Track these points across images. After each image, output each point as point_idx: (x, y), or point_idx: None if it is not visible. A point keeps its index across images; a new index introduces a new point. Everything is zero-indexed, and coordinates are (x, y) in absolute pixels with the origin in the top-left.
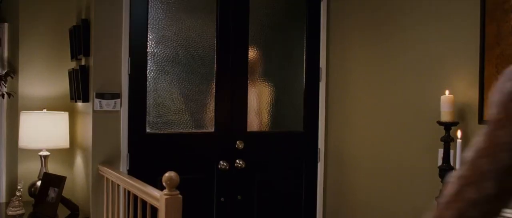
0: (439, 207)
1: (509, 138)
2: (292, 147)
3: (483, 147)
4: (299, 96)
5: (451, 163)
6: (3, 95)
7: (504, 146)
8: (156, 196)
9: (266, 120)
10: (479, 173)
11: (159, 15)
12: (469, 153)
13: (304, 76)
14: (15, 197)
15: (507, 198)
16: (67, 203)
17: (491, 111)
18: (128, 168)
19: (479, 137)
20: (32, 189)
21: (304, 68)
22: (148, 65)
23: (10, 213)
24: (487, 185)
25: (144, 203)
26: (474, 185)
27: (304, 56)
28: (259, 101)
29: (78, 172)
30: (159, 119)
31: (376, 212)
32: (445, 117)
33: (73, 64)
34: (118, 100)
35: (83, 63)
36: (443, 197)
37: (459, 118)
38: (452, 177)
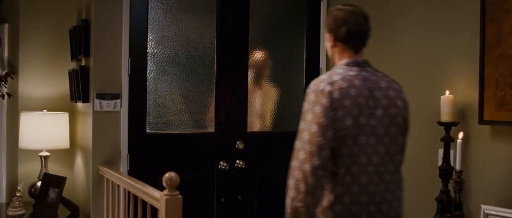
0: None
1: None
2: (293, 147)
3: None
4: (300, 96)
5: (451, 163)
6: (3, 96)
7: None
8: (156, 197)
9: (267, 120)
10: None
11: (159, 15)
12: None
13: (304, 76)
14: (15, 197)
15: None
16: (67, 203)
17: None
18: (128, 169)
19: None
20: (32, 190)
21: (304, 68)
22: (148, 65)
23: (10, 213)
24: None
25: (144, 203)
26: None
27: (304, 56)
28: (259, 102)
29: (78, 172)
30: (159, 119)
31: None
32: (445, 117)
33: (73, 65)
34: (118, 100)
35: (83, 63)
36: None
37: (459, 118)
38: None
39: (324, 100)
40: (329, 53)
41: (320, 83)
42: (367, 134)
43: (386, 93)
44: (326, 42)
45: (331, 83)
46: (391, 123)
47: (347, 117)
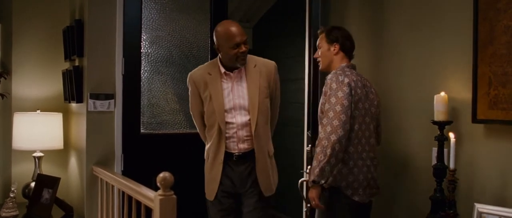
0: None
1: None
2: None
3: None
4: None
5: (445, 162)
6: None
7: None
8: (150, 197)
9: None
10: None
11: (152, 15)
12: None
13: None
14: (9, 198)
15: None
16: (61, 204)
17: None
18: (122, 169)
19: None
20: (26, 191)
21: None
22: (142, 65)
23: (3, 214)
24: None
25: (138, 203)
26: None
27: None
28: None
29: (72, 173)
30: (153, 119)
31: (371, 210)
32: (439, 116)
33: (66, 65)
34: (112, 101)
35: (77, 64)
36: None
37: (453, 117)
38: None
39: (345, 88)
40: (328, 56)
41: (339, 77)
42: (363, 117)
43: (370, 89)
44: (327, 48)
45: (347, 76)
46: (372, 107)
47: (358, 101)
